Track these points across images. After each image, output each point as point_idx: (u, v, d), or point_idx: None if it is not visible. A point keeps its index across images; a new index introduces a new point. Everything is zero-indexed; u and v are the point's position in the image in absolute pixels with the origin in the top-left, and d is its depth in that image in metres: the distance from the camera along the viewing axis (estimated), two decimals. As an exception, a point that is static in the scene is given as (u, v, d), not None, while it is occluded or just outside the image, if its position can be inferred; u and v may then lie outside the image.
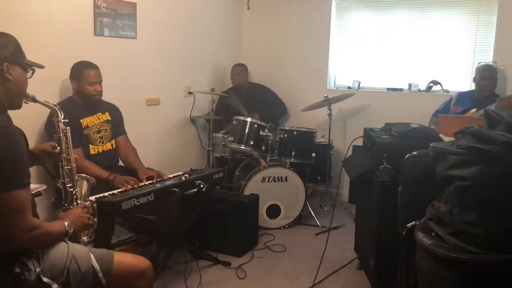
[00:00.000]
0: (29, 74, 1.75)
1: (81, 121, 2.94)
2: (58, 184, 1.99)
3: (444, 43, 4.37)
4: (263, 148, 3.97)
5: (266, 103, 4.67)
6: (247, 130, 3.92)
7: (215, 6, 4.69)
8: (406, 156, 2.11)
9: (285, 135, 4.00)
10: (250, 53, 5.16)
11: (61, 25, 3.00)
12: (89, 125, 2.98)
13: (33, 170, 1.85)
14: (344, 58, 4.87)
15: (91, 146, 2.97)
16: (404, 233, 1.95)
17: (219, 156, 4.27)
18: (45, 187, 2.39)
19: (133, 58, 3.62)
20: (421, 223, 1.80)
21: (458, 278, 1.57)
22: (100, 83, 2.98)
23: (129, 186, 2.65)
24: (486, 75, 3.68)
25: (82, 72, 2.91)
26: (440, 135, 2.62)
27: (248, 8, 5.12)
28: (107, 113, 3.11)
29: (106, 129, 3.08)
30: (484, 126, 1.68)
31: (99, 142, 3.02)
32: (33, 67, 1.76)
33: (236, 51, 5.13)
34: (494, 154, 1.50)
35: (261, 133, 3.92)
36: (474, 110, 3.44)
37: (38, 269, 1.60)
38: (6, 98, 1.67)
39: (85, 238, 1.97)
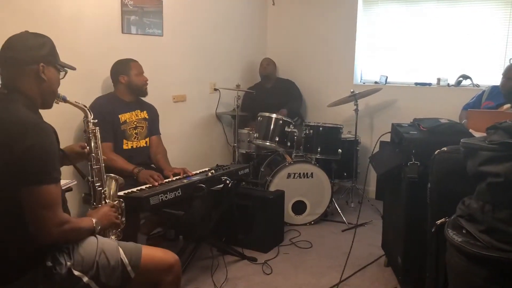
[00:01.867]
0: (61, 75, 1.80)
1: (120, 116, 3.03)
2: (88, 179, 2.02)
3: (475, 36, 4.25)
4: (289, 144, 3.96)
5: (291, 98, 4.66)
6: (272, 126, 3.91)
7: (240, 2, 4.70)
8: (435, 152, 2.07)
9: (311, 131, 3.97)
10: (275, 48, 5.15)
11: (89, 23, 3.06)
12: (127, 120, 3.06)
13: (64, 166, 1.89)
14: (371, 53, 4.80)
15: (124, 141, 3.04)
16: (433, 230, 1.92)
17: (244, 152, 4.28)
18: (75, 182, 2.45)
19: (159, 55, 3.66)
20: (451, 220, 1.76)
21: (490, 276, 1.53)
22: (143, 74, 3.14)
23: (155, 183, 2.68)
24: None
25: (130, 65, 3.06)
26: (470, 130, 2.57)
27: (273, 4, 5.11)
28: (145, 112, 3.19)
29: (143, 127, 3.15)
30: (517, 121, 1.64)
31: (134, 138, 3.09)
32: (66, 68, 1.81)
33: (261, 47, 5.13)
34: (529, 150, 1.46)
35: (286, 129, 3.91)
36: (508, 105, 3.31)
37: (69, 263, 1.64)
38: (40, 98, 1.72)
39: (113, 238, 2.00)
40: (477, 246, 1.55)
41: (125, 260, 1.75)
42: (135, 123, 3.10)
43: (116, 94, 3.09)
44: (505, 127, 1.59)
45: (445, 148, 2.06)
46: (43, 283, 1.60)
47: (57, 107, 1.87)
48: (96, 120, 2.06)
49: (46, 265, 1.60)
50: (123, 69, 3.05)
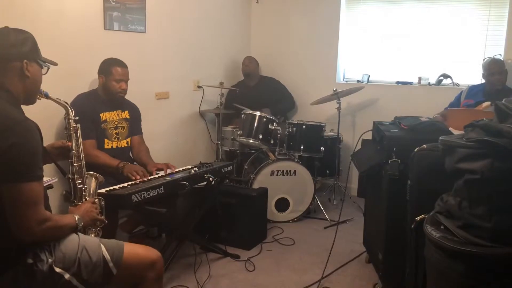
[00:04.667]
0: (44, 71, 1.79)
1: (101, 114, 3.00)
2: (69, 176, 2.01)
3: (455, 36, 4.33)
4: (272, 141, 3.98)
5: (276, 97, 4.68)
6: (255, 124, 3.92)
7: (224, 0, 4.69)
8: (415, 150, 2.11)
9: (294, 128, 3.99)
10: (258, 46, 5.16)
11: (71, 19, 3.02)
12: (108, 119, 3.03)
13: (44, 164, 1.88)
14: (353, 51, 4.84)
15: (106, 141, 3.02)
16: (413, 226, 1.95)
17: (228, 149, 4.29)
18: (56, 180, 2.42)
19: (142, 52, 3.64)
20: (430, 217, 1.79)
21: (466, 271, 1.56)
22: (126, 81, 3.04)
23: (138, 177, 2.69)
24: (495, 70, 3.64)
25: (111, 68, 2.98)
26: (450, 128, 2.61)
27: (257, 2, 5.11)
28: (126, 112, 3.16)
29: (124, 127, 3.12)
30: (494, 119, 1.67)
31: (114, 138, 3.07)
32: (48, 64, 1.80)
33: (245, 44, 5.14)
34: (504, 148, 1.49)
35: (269, 127, 3.93)
36: (488, 103, 3.39)
37: (50, 260, 1.63)
38: (23, 94, 1.71)
39: (92, 235, 1.99)
40: (454, 241, 1.58)
41: (107, 256, 1.74)
42: (116, 123, 3.07)
43: (97, 92, 3.06)
44: (482, 125, 1.62)
45: (424, 146, 2.09)
46: (24, 280, 1.58)
47: (39, 104, 1.86)
48: (78, 118, 2.04)
49: (27, 262, 1.59)
50: (104, 69, 3.00)
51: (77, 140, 2.02)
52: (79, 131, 2.03)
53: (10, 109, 1.59)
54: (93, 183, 2.12)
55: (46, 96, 1.88)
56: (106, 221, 2.02)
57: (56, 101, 1.98)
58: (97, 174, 2.15)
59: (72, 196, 2.01)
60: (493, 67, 3.66)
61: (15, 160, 1.49)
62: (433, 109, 3.85)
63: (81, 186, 2.01)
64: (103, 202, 2.07)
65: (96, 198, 2.06)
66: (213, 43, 4.55)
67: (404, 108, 4.04)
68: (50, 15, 2.88)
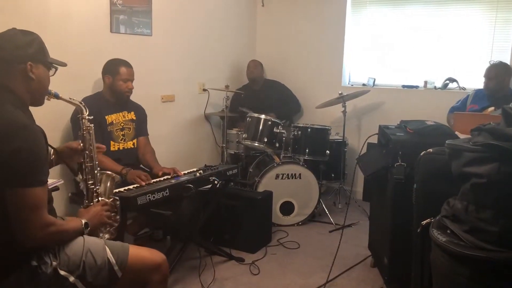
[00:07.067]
0: (51, 72, 1.78)
1: (106, 117, 3.01)
2: (77, 179, 1.99)
3: (461, 40, 4.32)
4: (277, 145, 3.97)
5: (281, 100, 4.68)
6: (261, 127, 3.92)
7: (229, 3, 4.71)
8: (421, 153, 2.10)
9: (299, 132, 3.99)
10: (264, 50, 5.16)
11: (77, 22, 3.04)
12: (114, 121, 3.04)
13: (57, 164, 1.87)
14: (359, 55, 4.84)
15: (112, 143, 3.02)
16: (419, 230, 1.94)
17: (233, 152, 4.29)
18: (62, 182, 2.43)
19: (148, 55, 3.65)
20: (436, 221, 1.78)
21: (473, 275, 1.55)
22: (132, 81, 3.07)
23: (142, 183, 2.67)
24: (491, 75, 3.61)
25: (118, 69, 3.00)
26: (456, 132, 2.60)
27: (263, 5, 5.12)
28: (132, 113, 3.17)
29: (130, 128, 3.13)
30: (501, 123, 1.66)
31: (121, 140, 3.07)
32: (56, 65, 1.79)
33: (250, 48, 5.14)
34: (511, 152, 1.48)
35: (275, 130, 3.92)
36: (492, 108, 3.38)
37: (54, 263, 1.63)
38: (29, 96, 1.70)
39: (106, 236, 1.96)
40: (461, 245, 1.57)
41: (112, 259, 1.74)
42: (122, 124, 3.08)
43: (103, 94, 3.07)
44: (488, 129, 1.62)
45: (430, 150, 2.08)
46: (28, 283, 1.58)
47: (45, 107, 1.84)
48: (92, 117, 2.00)
49: (31, 265, 1.59)
50: (111, 70, 3.02)
51: (90, 140, 1.97)
52: (92, 131, 1.98)
53: (15, 112, 1.58)
54: (109, 183, 2.08)
55: (56, 97, 1.84)
56: (115, 224, 2.00)
57: (69, 101, 1.93)
58: (114, 174, 2.11)
59: (84, 197, 1.97)
60: (489, 72, 3.64)
61: (18, 165, 1.49)
62: (439, 112, 3.84)
63: (93, 186, 1.97)
64: (118, 202, 2.04)
65: (110, 199, 2.02)
66: (219, 46, 4.56)
67: (410, 112, 4.03)
68: (57, 17, 2.89)
